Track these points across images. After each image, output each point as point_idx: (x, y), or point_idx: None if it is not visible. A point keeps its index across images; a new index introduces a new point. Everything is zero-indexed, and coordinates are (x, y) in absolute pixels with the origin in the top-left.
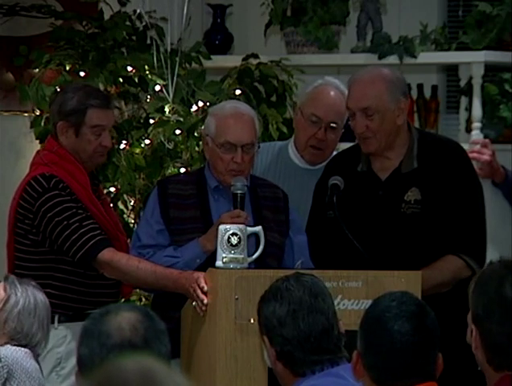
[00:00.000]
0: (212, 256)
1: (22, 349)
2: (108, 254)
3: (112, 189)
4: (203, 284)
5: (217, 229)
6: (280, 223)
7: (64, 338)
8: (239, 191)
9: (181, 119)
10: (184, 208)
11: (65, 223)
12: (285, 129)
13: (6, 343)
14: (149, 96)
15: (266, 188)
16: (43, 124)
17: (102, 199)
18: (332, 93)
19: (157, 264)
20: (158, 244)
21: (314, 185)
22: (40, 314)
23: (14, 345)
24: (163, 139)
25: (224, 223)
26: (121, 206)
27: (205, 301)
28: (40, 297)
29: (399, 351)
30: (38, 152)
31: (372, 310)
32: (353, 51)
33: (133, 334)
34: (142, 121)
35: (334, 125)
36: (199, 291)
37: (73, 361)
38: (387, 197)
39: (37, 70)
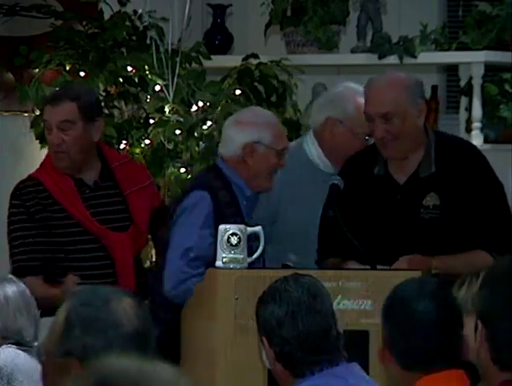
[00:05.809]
0: None
1: (21, 353)
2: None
3: None
4: None
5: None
6: None
7: None
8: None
9: (181, 119)
10: (226, 217)
11: (12, 235)
12: None
13: (1, 345)
14: (149, 96)
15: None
16: (42, 124)
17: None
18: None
19: None
20: (208, 256)
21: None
22: (15, 303)
23: (10, 343)
24: (162, 139)
25: None
26: None
27: None
28: (10, 289)
29: (427, 331)
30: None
31: (393, 295)
32: (353, 51)
33: (138, 321)
34: (142, 121)
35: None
36: None
37: None
38: (405, 201)
39: (37, 70)
